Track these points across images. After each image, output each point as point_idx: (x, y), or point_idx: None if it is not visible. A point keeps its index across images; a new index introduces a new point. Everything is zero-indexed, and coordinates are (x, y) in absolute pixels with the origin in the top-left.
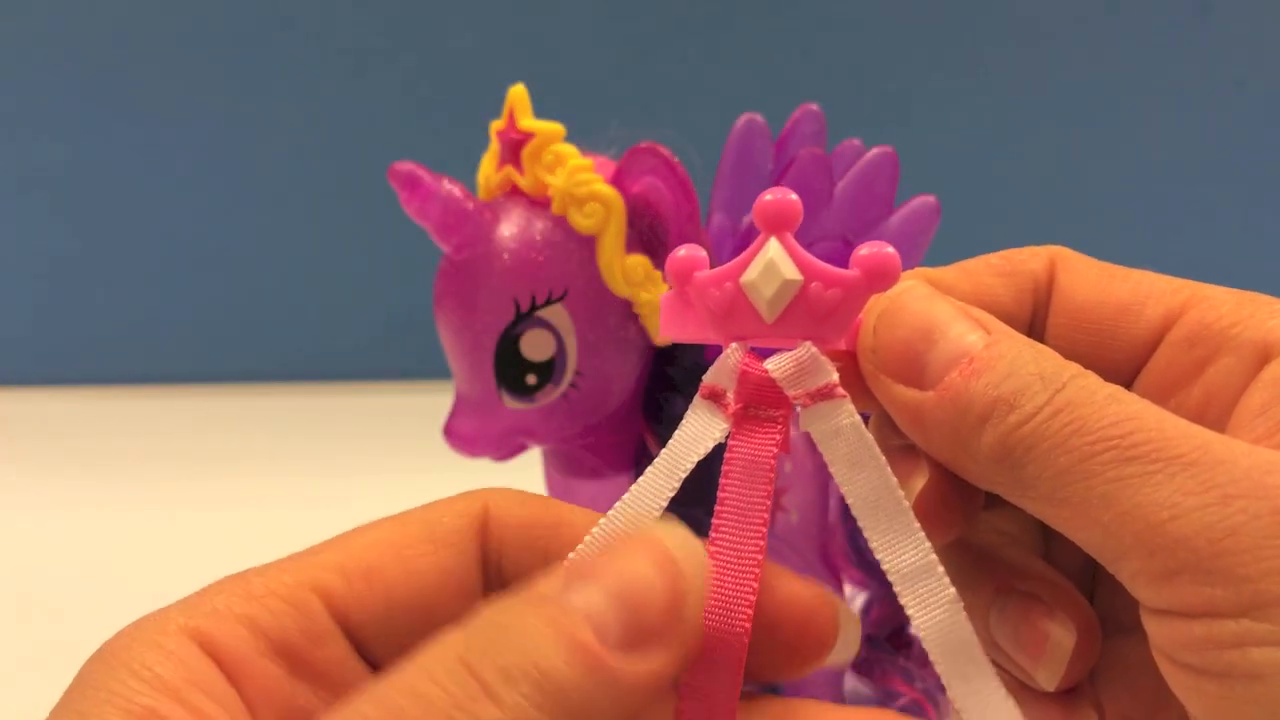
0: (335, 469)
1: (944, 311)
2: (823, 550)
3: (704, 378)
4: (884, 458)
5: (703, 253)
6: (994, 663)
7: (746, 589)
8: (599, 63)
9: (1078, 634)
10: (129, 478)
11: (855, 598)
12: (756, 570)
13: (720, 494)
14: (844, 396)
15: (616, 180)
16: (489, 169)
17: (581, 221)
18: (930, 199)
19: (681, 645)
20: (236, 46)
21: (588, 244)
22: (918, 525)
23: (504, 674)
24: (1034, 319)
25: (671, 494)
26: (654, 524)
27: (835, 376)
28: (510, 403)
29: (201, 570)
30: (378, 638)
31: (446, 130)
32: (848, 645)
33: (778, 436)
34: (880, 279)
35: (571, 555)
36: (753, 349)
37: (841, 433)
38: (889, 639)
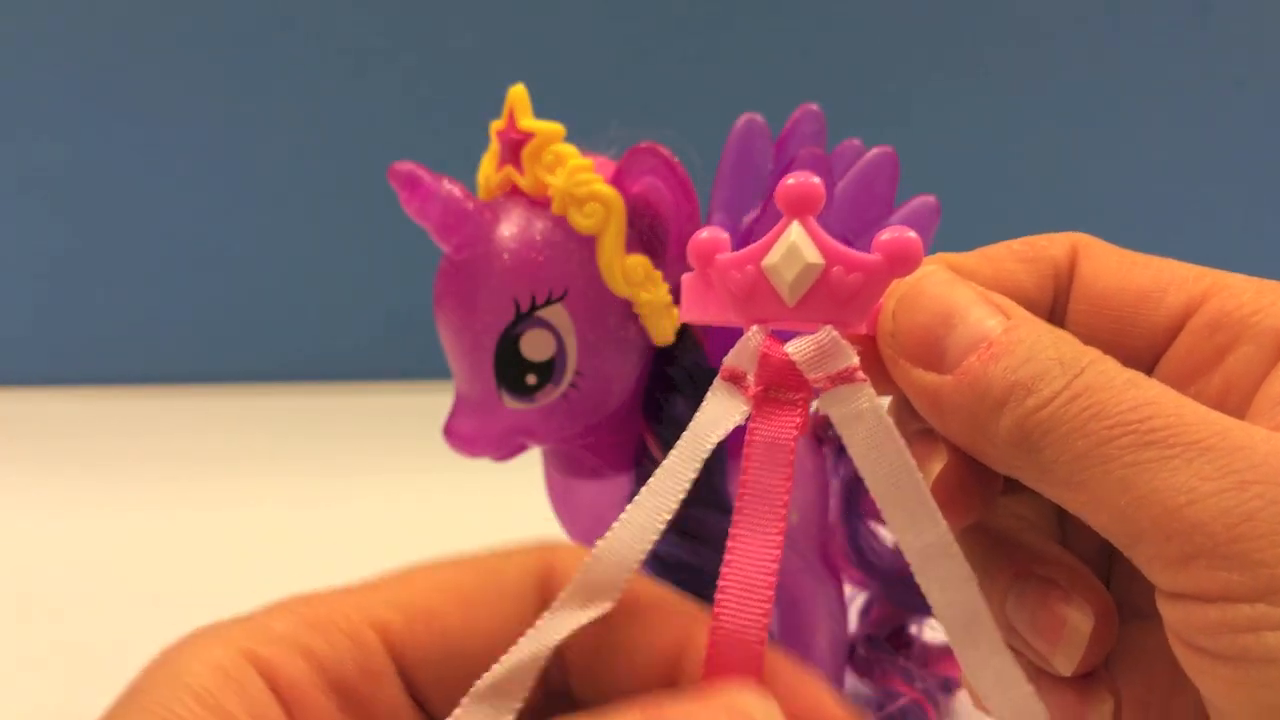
0: (335, 469)
1: (963, 296)
2: (823, 550)
3: (725, 360)
4: (903, 441)
5: (725, 235)
6: (1011, 647)
7: (767, 570)
8: (599, 63)
9: (1095, 618)
10: (129, 478)
11: (855, 598)
12: (777, 551)
13: (742, 475)
14: (864, 380)
15: (616, 180)
16: (489, 169)
17: (581, 221)
18: (930, 199)
19: None
20: (236, 46)
21: (588, 244)
22: (935, 506)
23: None
24: (1055, 305)
25: (694, 476)
26: (737, 691)
27: (856, 360)
28: (510, 403)
29: (201, 570)
30: (430, 681)
31: (446, 130)
32: None
33: (798, 419)
34: (902, 264)
35: (600, 542)
36: (773, 332)
37: (862, 416)
38: (889, 639)
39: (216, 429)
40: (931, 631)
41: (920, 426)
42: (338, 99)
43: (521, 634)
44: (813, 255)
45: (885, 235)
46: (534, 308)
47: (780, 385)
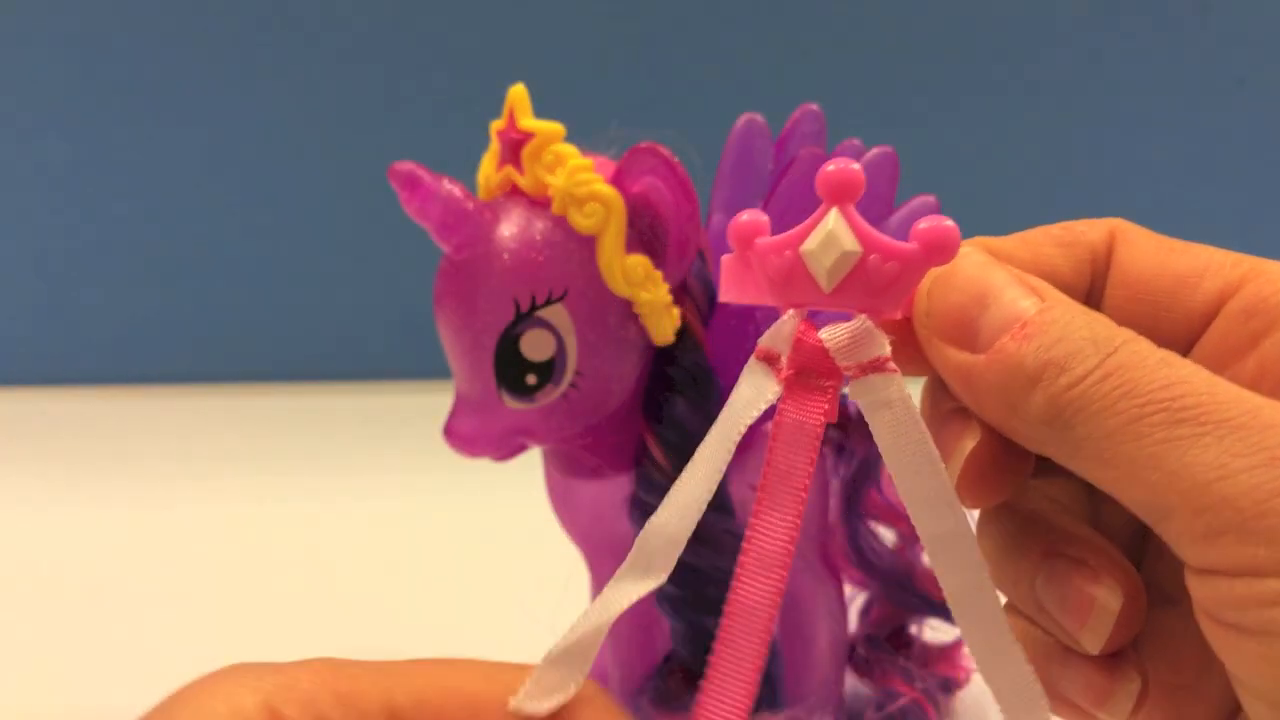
0: (335, 469)
1: (998, 277)
2: (823, 550)
3: (760, 340)
4: (927, 430)
5: (765, 217)
6: (1039, 626)
7: (783, 549)
8: (599, 63)
9: (1123, 598)
10: (129, 478)
11: (855, 598)
12: (795, 532)
13: (768, 455)
14: (895, 371)
15: (616, 180)
16: (489, 169)
17: (581, 221)
18: (930, 199)
19: None
20: (236, 46)
21: (588, 244)
22: (955, 496)
23: None
24: (1092, 289)
25: (729, 455)
26: None
27: (888, 350)
28: (510, 403)
29: (201, 570)
30: None
31: (446, 130)
32: None
33: (826, 405)
34: (939, 253)
35: (650, 521)
36: (810, 315)
37: (890, 405)
38: (889, 639)
39: (216, 429)
40: (932, 631)
41: (954, 405)
42: (338, 99)
43: None
44: (850, 243)
45: (923, 224)
46: (534, 308)
47: (812, 370)
